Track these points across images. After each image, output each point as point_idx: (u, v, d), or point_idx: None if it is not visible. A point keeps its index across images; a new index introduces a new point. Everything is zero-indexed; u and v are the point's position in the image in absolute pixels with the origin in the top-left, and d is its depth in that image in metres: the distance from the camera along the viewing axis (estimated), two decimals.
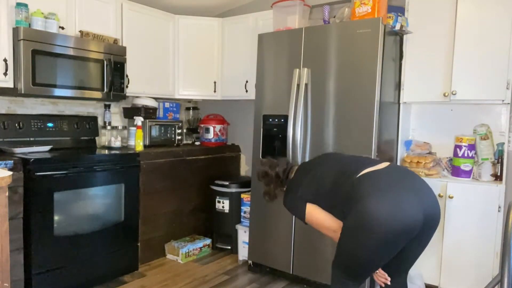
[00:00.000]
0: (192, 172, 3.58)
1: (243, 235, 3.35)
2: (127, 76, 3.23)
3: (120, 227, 2.94)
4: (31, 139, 2.95)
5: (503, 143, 2.64)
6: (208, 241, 3.58)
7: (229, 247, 3.57)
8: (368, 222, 1.57)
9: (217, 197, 3.55)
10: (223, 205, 3.52)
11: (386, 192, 1.61)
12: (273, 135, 2.97)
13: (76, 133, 3.22)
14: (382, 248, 1.61)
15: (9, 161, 2.33)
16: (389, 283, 1.88)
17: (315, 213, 1.89)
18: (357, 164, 1.83)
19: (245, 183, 3.52)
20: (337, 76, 2.65)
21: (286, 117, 2.87)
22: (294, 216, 2.86)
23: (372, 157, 2.51)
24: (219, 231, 3.61)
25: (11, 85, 2.60)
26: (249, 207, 3.25)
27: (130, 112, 3.55)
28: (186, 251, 3.35)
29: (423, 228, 1.64)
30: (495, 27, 2.49)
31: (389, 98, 2.72)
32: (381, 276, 1.88)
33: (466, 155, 2.65)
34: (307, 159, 2.80)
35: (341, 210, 1.76)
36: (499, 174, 2.60)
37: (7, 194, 1.76)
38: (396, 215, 1.54)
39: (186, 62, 3.76)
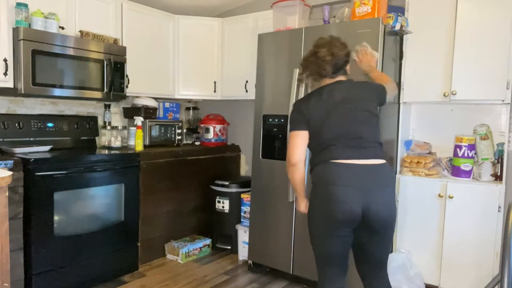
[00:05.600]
0: (192, 172, 3.58)
1: (243, 235, 3.35)
2: (127, 76, 3.23)
3: (120, 227, 2.94)
4: (31, 139, 2.95)
5: (503, 143, 2.64)
6: (208, 241, 3.58)
7: (229, 247, 3.57)
8: (321, 202, 1.81)
9: (217, 197, 3.55)
10: (223, 205, 3.52)
11: (346, 186, 1.76)
12: (273, 135, 2.97)
13: (76, 133, 3.22)
14: (325, 226, 1.81)
15: (9, 161, 2.33)
16: None
17: (296, 139, 1.93)
18: (353, 142, 1.84)
19: (245, 183, 3.52)
20: None
21: (286, 117, 2.87)
22: (294, 216, 2.87)
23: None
24: (219, 231, 3.61)
25: (11, 85, 2.60)
26: (249, 207, 3.25)
27: (130, 112, 3.55)
28: (186, 251, 3.35)
29: (370, 224, 1.79)
30: (495, 27, 2.49)
31: (389, 98, 2.72)
32: None
33: (466, 155, 2.65)
34: (306, 160, 2.79)
35: (314, 157, 1.92)
36: (499, 174, 2.60)
37: (7, 194, 1.76)
38: (340, 206, 1.75)
39: (186, 62, 3.76)
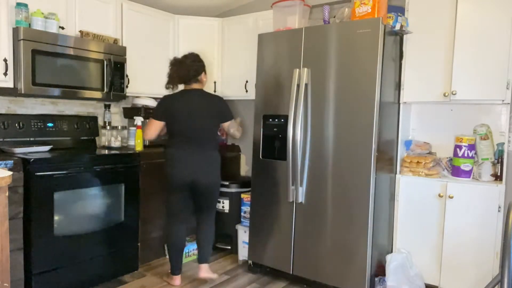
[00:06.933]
0: None
1: (243, 235, 3.35)
2: (127, 76, 3.23)
3: (120, 227, 2.94)
4: (31, 139, 2.95)
5: (503, 143, 2.65)
6: None
7: (229, 247, 3.57)
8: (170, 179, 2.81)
9: None
10: (223, 205, 3.52)
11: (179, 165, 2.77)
12: (273, 135, 2.97)
13: (76, 133, 3.22)
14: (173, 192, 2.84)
15: (9, 161, 2.33)
16: None
17: (153, 126, 2.81)
18: (190, 141, 2.76)
19: (245, 183, 3.52)
20: (337, 76, 2.65)
21: (286, 117, 2.87)
22: (294, 216, 2.87)
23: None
24: (219, 231, 3.60)
25: (11, 85, 2.60)
26: (249, 207, 3.25)
27: (130, 112, 3.55)
28: (186, 251, 3.35)
29: (198, 189, 2.82)
30: (495, 27, 2.49)
31: (389, 98, 2.72)
32: None
33: (466, 155, 2.65)
34: (307, 159, 2.80)
35: (168, 140, 2.85)
36: (499, 174, 2.60)
37: (7, 194, 1.76)
38: (179, 177, 2.77)
39: None
